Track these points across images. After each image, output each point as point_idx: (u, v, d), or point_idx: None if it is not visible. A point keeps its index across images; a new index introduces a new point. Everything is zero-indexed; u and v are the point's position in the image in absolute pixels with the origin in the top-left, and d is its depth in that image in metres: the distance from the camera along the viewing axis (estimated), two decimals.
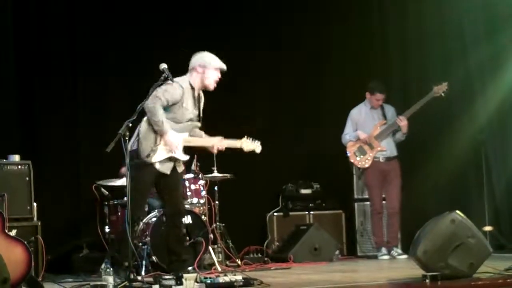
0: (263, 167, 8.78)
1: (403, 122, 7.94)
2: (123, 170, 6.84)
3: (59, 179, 8.06)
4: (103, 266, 5.58)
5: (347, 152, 8.12)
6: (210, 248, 7.05)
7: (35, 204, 6.52)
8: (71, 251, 7.70)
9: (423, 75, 8.56)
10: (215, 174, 7.45)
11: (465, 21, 8.17)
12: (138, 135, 6.01)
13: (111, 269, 5.35)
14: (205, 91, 6.31)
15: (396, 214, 8.05)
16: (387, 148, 8.07)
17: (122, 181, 7.19)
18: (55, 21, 8.31)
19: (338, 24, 9.03)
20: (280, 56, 9.17)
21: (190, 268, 6.35)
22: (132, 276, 5.27)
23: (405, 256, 7.75)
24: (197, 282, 5.11)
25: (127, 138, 5.36)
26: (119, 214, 7.27)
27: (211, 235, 7.14)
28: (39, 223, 6.43)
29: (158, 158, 6.01)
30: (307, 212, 8.79)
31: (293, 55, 9.16)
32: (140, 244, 6.81)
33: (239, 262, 7.40)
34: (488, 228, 7.53)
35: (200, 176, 7.30)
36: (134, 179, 5.60)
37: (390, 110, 8.20)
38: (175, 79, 5.95)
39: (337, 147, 8.30)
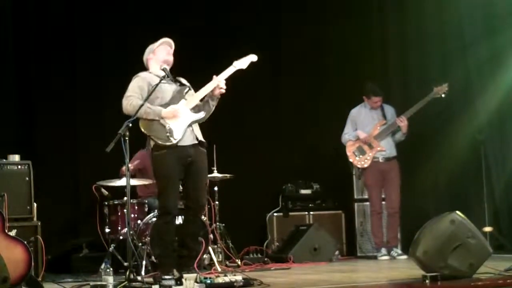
0: (263, 167, 8.80)
1: (403, 123, 7.94)
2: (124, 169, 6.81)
3: (59, 179, 8.07)
4: (103, 266, 5.59)
5: (347, 152, 8.14)
6: (210, 248, 7.05)
7: (35, 204, 6.52)
8: (71, 251, 7.72)
9: (423, 75, 8.54)
10: (215, 174, 7.47)
11: (465, 21, 8.16)
12: (147, 136, 5.85)
13: (111, 269, 5.35)
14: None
15: (396, 214, 8.05)
16: (386, 148, 8.07)
17: (122, 181, 7.18)
18: (55, 21, 8.33)
19: (338, 24, 9.02)
20: (280, 56, 9.18)
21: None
22: (132, 276, 5.28)
23: (405, 257, 7.75)
24: (197, 282, 5.11)
25: (127, 138, 5.36)
26: (119, 214, 7.27)
27: (211, 235, 7.14)
28: (39, 223, 6.43)
29: (177, 135, 5.76)
30: (307, 212, 8.79)
31: (293, 55, 9.16)
32: (140, 244, 6.82)
33: (239, 262, 7.40)
34: (487, 229, 7.52)
35: None
36: (161, 169, 5.69)
37: (390, 110, 8.21)
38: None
39: (337, 147, 8.30)
